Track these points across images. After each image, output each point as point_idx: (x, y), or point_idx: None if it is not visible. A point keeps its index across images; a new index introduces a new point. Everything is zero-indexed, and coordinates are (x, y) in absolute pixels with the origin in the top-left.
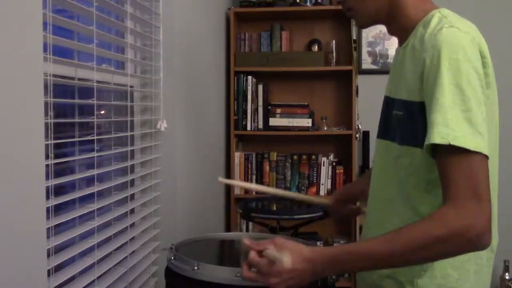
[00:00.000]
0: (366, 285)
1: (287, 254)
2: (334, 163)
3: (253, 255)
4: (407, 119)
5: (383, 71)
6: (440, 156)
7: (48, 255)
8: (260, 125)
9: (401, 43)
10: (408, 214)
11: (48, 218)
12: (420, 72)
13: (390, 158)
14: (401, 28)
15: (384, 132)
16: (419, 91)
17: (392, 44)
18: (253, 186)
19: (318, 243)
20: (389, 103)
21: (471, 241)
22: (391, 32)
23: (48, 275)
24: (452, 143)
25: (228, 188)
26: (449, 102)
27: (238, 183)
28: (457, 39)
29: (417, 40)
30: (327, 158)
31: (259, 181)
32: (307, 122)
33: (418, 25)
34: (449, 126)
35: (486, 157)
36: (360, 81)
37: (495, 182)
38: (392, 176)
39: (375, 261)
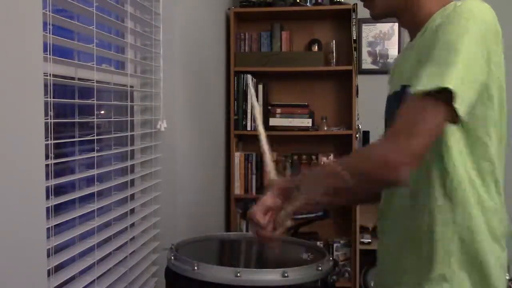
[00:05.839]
0: None
1: None
2: None
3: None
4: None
5: (383, 71)
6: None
7: (48, 255)
8: None
9: (412, 37)
10: (422, 205)
11: (48, 218)
12: (428, 45)
13: None
14: (415, 21)
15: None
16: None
17: (392, 44)
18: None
19: (318, 243)
20: (389, 101)
21: (385, 173)
22: (403, 24)
23: (48, 275)
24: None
25: (228, 188)
26: (439, 56)
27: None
28: (478, 9)
29: (430, 27)
30: (327, 158)
31: (259, 181)
32: (307, 122)
33: (435, 14)
34: (431, 76)
35: (451, 107)
36: (360, 81)
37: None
38: None
39: (331, 177)
